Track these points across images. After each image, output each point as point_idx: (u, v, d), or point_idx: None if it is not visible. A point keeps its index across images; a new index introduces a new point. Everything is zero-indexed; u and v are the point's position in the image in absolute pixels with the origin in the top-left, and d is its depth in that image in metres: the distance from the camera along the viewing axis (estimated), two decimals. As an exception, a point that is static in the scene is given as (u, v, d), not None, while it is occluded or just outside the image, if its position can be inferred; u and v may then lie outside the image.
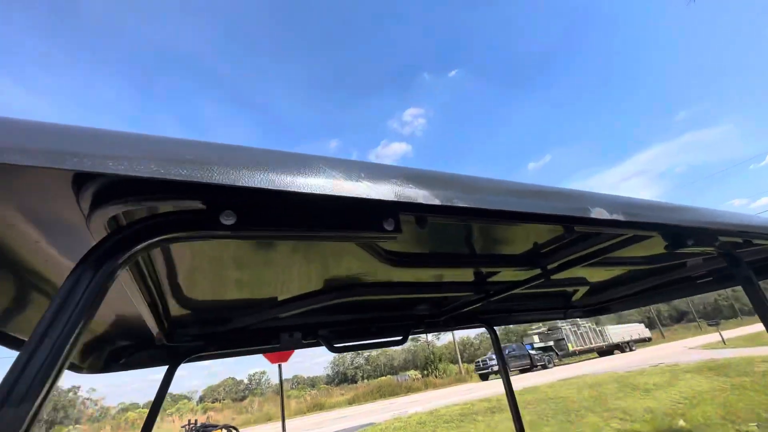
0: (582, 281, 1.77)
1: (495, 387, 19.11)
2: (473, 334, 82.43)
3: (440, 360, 37.60)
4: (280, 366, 7.86)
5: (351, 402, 27.40)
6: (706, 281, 1.80)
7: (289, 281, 1.20)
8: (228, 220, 0.48)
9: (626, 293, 2.03)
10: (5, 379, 0.37)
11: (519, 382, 20.09)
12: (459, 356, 38.75)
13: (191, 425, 6.73)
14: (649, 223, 0.77)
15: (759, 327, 35.62)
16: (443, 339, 59.76)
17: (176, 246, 0.87)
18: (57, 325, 0.40)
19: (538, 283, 1.31)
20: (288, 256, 1.01)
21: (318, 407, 26.64)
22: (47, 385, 0.38)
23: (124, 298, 0.96)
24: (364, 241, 0.60)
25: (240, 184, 0.43)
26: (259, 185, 0.43)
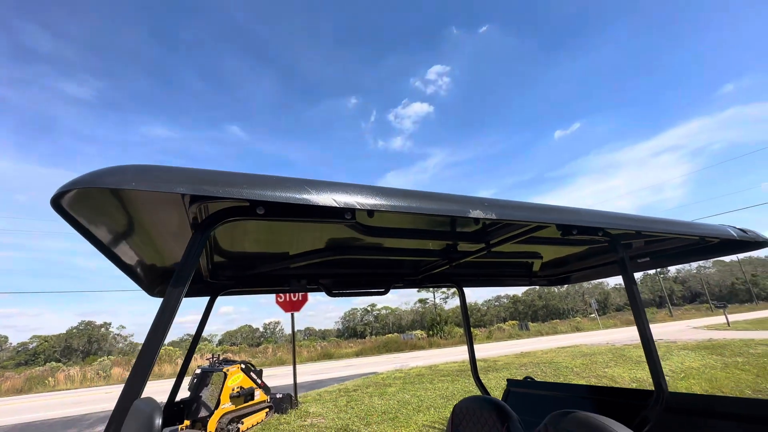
0: (536, 255, 2.10)
1: (495, 350, 20.04)
2: (481, 300, 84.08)
3: (446, 323, 39.01)
4: (292, 315, 8.61)
5: (358, 354, 29.20)
6: (638, 262, 2.12)
7: (298, 242, 1.56)
8: (260, 211, 0.85)
9: (579, 268, 2.38)
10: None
11: (518, 347, 20.96)
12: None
13: (214, 358, 7.60)
14: (541, 219, 1.09)
15: (771, 313, 35.26)
16: (451, 303, 61.59)
17: None
18: (192, 258, 0.80)
19: (487, 253, 1.66)
20: (298, 224, 1.36)
21: (327, 356, 28.56)
22: (187, 284, 0.77)
23: (186, 245, 1.35)
24: (336, 223, 0.95)
25: (266, 198, 0.77)
26: (276, 199, 0.77)
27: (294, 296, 8.58)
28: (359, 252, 1.70)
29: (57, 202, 0.74)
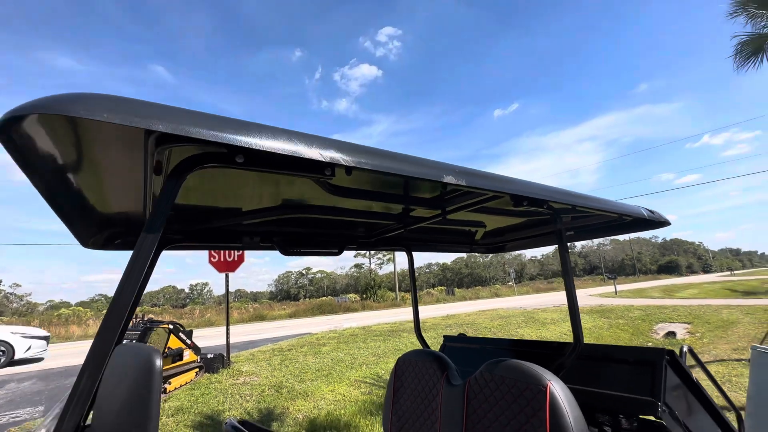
0: (480, 224, 2.29)
1: (423, 312, 21.45)
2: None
3: (380, 287, 40.54)
4: (227, 275, 8.31)
5: (291, 316, 29.30)
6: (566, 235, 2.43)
7: (252, 198, 1.51)
8: (240, 159, 0.81)
9: (514, 238, 2.64)
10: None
11: (444, 310, 22.68)
12: (397, 285, 42.04)
13: (138, 319, 7.13)
14: (490, 188, 1.19)
15: (647, 284, 42.25)
16: (385, 269, 63.88)
17: None
18: (165, 205, 0.76)
19: (441, 220, 1.77)
20: (254, 179, 1.32)
21: (259, 318, 28.26)
22: (160, 231, 0.73)
23: (134, 192, 1.23)
24: (315, 179, 0.95)
25: (251, 145, 0.74)
26: (259, 147, 0.74)
27: (229, 256, 8.26)
28: (315, 212, 1.70)
29: (7, 125, 0.65)
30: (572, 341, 1.58)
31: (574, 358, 1.54)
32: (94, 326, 24.59)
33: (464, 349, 2.64)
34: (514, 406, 1.36)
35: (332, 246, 2.08)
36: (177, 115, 0.68)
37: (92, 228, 1.46)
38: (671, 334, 10.42)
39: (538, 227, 2.41)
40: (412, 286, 2.66)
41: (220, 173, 1.20)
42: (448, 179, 1.02)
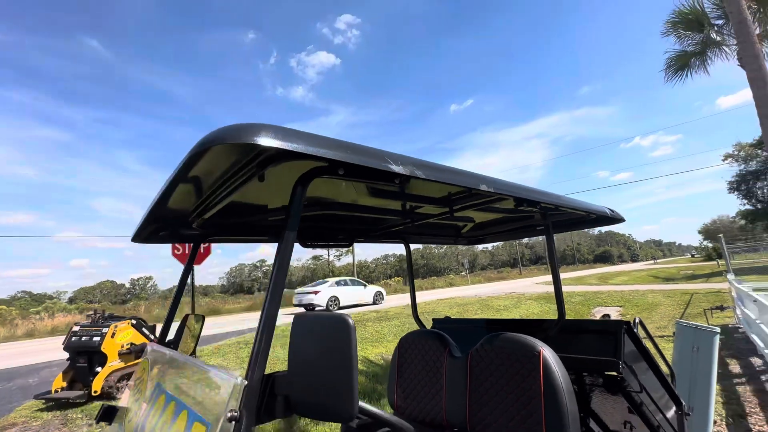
0: (470, 219, 2.59)
1: (384, 302, 21.93)
2: (371, 258, 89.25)
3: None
4: (192, 268, 8.07)
5: (248, 309, 28.53)
6: (537, 229, 2.80)
7: (275, 196, 1.67)
8: (341, 171, 0.99)
9: (495, 231, 2.98)
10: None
11: (404, 300, 23.36)
12: (356, 275, 42.32)
13: (97, 314, 6.75)
14: (508, 193, 1.47)
15: (586, 272, 46.13)
16: (343, 261, 63.93)
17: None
18: (297, 208, 0.94)
19: (448, 217, 2.03)
20: (281, 181, 1.47)
21: (214, 312, 27.19)
22: (296, 229, 0.92)
23: (196, 192, 1.35)
24: (389, 185, 1.15)
25: (346, 160, 0.90)
26: (355, 162, 0.91)
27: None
28: (332, 208, 1.89)
29: (201, 151, 0.82)
30: (556, 317, 1.93)
31: (558, 330, 1.88)
32: (23, 326, 22.31)
33: (453, 329, 2.95)
34: (512, 370, 1.67)
35: (344, 239, 2.28)
36: (305, 138, 0.86)
37: (150, 222, 1.54)
38: (606, 316, 11.70)
39: (518, 222, 2.75)
40: (409, 275, 2.92)
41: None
42: (483, 187, 1.27)
